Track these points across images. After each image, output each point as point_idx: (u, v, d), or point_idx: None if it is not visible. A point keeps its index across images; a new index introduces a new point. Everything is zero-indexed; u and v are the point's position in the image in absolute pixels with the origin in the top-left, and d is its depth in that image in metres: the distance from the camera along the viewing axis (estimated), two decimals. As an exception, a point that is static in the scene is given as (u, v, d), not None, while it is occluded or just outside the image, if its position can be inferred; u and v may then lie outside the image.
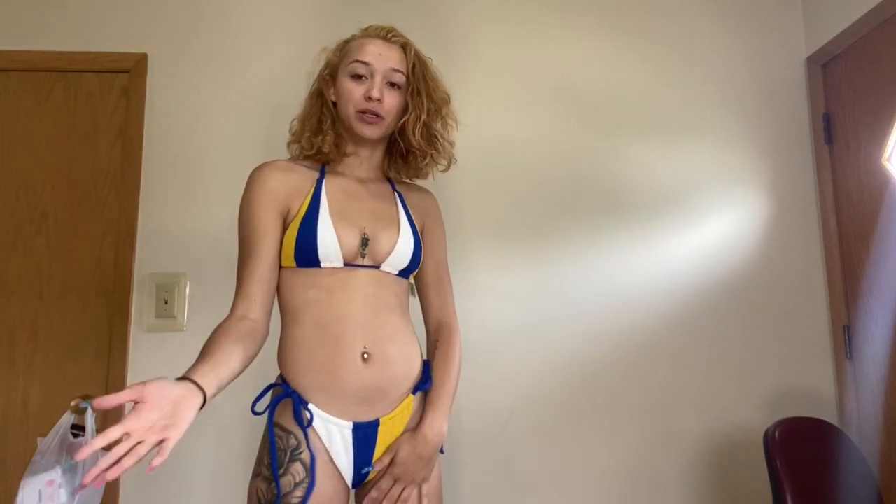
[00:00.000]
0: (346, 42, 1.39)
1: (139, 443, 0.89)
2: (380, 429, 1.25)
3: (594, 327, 2.00)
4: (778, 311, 2.04)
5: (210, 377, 1.04)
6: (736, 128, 2.12)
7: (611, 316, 2.01)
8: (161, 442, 0.91)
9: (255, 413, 1.23)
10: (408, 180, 1.48)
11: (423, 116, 1.33)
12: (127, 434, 0.89)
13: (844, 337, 1.99)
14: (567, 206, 2.05)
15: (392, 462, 1.25)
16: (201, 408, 1.01)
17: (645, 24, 2.15)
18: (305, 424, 1.19)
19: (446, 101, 1.39)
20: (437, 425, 1.28)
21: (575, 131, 2.09)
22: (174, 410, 0.95)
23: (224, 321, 1.20)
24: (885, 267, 1.84)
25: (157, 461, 0.90)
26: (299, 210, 1.27)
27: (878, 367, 1.87)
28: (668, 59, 2.14)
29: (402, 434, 1.28)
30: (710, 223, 2.07)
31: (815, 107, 2.11)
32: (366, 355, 1.22)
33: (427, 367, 1.37)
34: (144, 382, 0.95)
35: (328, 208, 1.27)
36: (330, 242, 1.23)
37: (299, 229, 1.24)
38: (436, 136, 1.37)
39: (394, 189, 1.42)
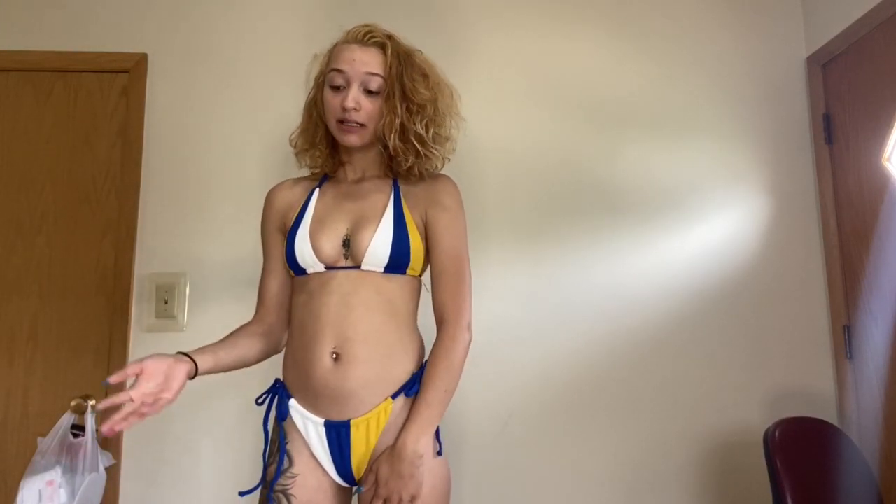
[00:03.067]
0: (332, 49, 1.37)
1: (142, 405, 1.11)
2: (352, 430, 1.24)
3: (594, 327, 2.00)
4: (778, 311, 2.04)
5: (207, 355, 1.23)
6: (736, 128, 2.12)
7: (611, 316, 2.01)
8: (155, 403, 1.13)
9: (257, 403, 1.34)
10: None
11: (398, 120, 1.29)
12: (130, 400, 1.09)
13: (844, 337, 1.99)
14: (567, 205, 2.05)
15: (376, 482, 1.21)
16: (193, 377, 1.20)
17: (645, 23, 2.15)
18: (282, 417, 1.29)
19: (431, 99, 1.32)
20: (412, 441, 1.19)
21: (574, 131, 2.09)
22: (166, 379, 1.14)
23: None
24: (885, 267, 1.84)
25: (151, 411, 1.13)
26: (290, 224, 1.35)
27: (878, 367, 1.87)
28: (669, 58, 2.14)
29: (384, 450, 1.23)
30: (710, 223, 2.07)
31: (815, 107, 2.11)
32: (335, 355, 1.23)
33: (419, 371, 1.31)
34: (143, 359, 1.14)
35: (311, 217, 1.32)
36: (305, 250, 1.29)
37: (286, 242, 1.33)
38: (417, 138, 1.31)
39: (394, 183, 1.38)
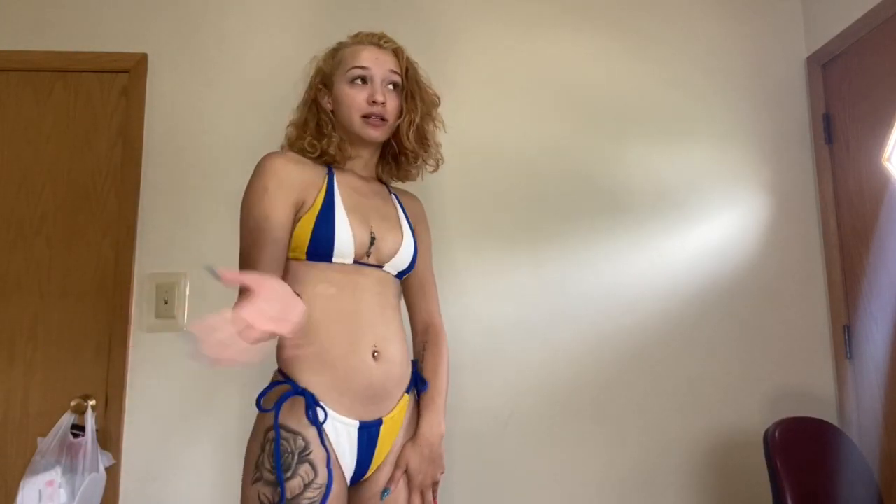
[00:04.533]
0: (336, 50, 1.41)
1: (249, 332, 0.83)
2: (381, 428, 1.26)
3: (594, 327, 2.00)
4: (778, 311, 2.04)
5: None
6: (736, 128, 2.12)
7: (611, 316, 2.01)
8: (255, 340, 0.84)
9: (260, 410, 1.20)
10: (398, 183, 1.52)
11: (416, 119, 1.37)
12: (243, 322, 0.83)
13: (844, 337, 1.99)
14: (567, 206, 2.05)
15: (409, 476, 1.29)
16: None
17: (644, 23, 2.15)
18: (321, 423, 1.18)
19: (436, 103, 1.43)
20: (436, 425, 1.32)
21: (575, 131, 2.08)
22: (283, 310, 0.90)
23: None
24: (885, 267, 1.84)
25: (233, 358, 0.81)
26: (314, 203, 1.25)
27: (878, 367, 1.87)
28: (668, 59, 2.14)
29: (404, 444, 1.31)
30: (710, 223, 2.07)
31: (815, 107, 2.11)
32: (376, 353, 1.24)
33: (416, 368, 1.40)
34: (258, 276, 0.93)
35: (342, 203, 1.27)
36: (346, 238, 1.24)
37: (316, 223, 1.23)
38: (426, 139, 1.40)
39: (390, 192, 1.46)
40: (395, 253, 1.32)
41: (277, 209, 1.21)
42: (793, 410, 1.89)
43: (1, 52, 2.03)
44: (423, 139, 1.40)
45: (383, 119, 1.33)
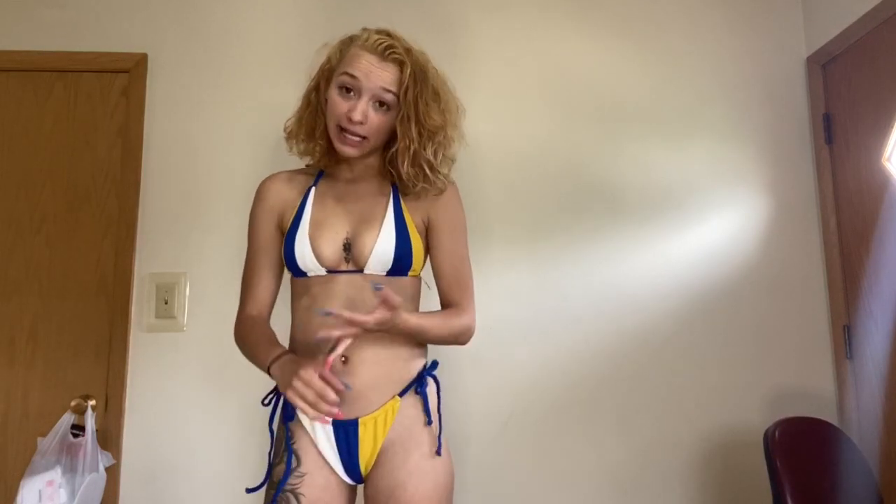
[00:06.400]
0: (346, 44, 1.32)
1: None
2: (360, 429, 1.26)
3: (594, 327, 2.00)
4: (778, 311, 2.04)
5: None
6: (736, 128, 2.12)
7: (611, 316, 2.01)
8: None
9: (263, 404, 1.33)
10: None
11: (413, 146, 1.28)
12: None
13: (844, 337, 1.99)
14: (567, 206, 2.05)
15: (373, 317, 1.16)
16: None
17: (645, 24, 2.15)
18: (288, 418, 1.30)
19: (441, 125, 1.30)
20: (406, 318, 1.21)
21: (575, 131, 2.09)
22: None
23: (245, 320, 1.35)
24: (885, 267, 1.84)
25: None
26: (288, 224, 1.33)
27: (878, 367, 1.87)
28: (669, 59, 2.14)
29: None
30: (710, 223, 2.07)
31: (815, 107, 2.11)
32: (343, 358, 1.24)
33: (425, 370, 1.35)
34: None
35: (309, 219, 1.31)
36: (306, 254, 1.28)
37: (284, 243, 1.31)
38: (427, 164, 1.30)
39: (394, 187, 1.37)
40: (369, 254, 1.27)
41: (261, 234, 1.38)
42: (793, 410, 1.89)
43: (1, 52, 2.03)
44: (422, 166, 1.29)
45: (362, 137, 1.27)
